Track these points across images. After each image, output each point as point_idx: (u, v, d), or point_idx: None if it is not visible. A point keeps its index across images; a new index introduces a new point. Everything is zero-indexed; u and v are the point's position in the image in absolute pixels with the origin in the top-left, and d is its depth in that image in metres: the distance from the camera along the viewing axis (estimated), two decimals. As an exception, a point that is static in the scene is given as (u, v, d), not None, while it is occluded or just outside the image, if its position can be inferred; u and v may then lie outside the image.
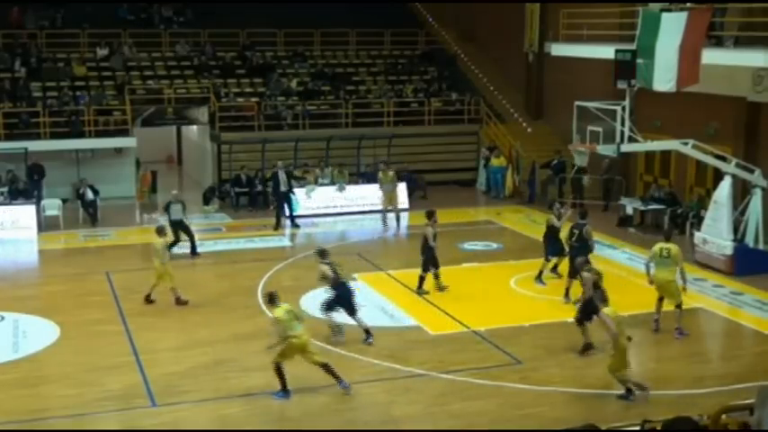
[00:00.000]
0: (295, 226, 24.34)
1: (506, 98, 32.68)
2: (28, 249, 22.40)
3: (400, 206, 25.47)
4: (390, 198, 24.72)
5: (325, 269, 15.06)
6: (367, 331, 15.14)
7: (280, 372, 12.84)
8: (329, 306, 15.19)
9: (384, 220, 24.59)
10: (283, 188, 24.34)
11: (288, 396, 12.86)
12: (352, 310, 15.13)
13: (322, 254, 15.44)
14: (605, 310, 12.75)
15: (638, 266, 19.79)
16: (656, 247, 15.66)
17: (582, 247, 17.00)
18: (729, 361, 14.83)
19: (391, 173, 24.88)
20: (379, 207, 25.02)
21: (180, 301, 17.17)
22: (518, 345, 14.92)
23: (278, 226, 23.97)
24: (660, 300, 15.67)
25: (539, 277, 18.32)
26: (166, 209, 21.36)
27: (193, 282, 19.33)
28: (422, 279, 17.89)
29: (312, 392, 13.18)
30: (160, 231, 17.54)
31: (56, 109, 27.82)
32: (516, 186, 28.33)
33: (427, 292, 17.81)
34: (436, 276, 17.94)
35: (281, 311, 12.75)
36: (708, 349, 16.05)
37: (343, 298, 15.11)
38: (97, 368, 14.00)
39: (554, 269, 18.58)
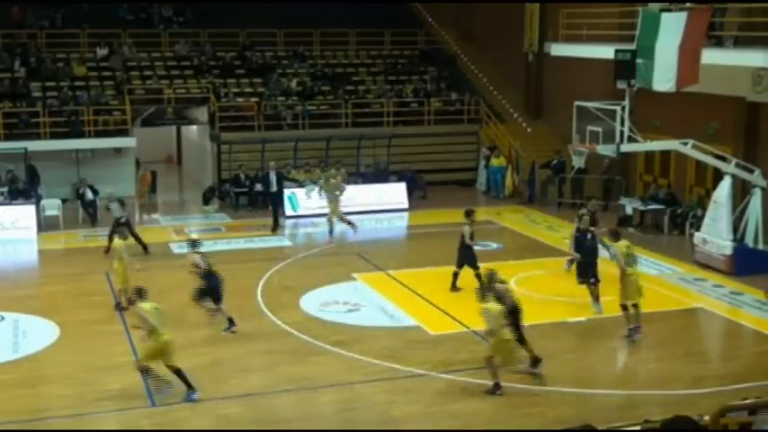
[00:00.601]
0: (276, 228, 23.80)
1: (506, 98, 32.68)
2: (28, 249, 22.39)
3: (395, 206, 25.49)
4: (332, 207, 23.00)
5: (196, 259, 15.61)
6: (231, 320, 15.56)
7: (146, 370, 12.73)
8: (200, 294, 15.58)
9: (351, 225, 22.97)
10: (273, 189, 24.28)
11: (195, 394, 12.66)
12: (218, 299, 15.53)
13: (194, 244, 16.10)
14: (489, 305, 12.80)
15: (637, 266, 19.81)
16: (622, 246, 15.16)
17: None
18: (729, 361, 14.82)
19: (333, 180, 23.40)
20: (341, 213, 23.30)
21: (121, 307, 16.86)
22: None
23: (275, 227, 23.88)
24: (625, 307, 15.21)
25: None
26: (107, 209, 21.51)
27: (193, 282, 19.31)
28: (478, 276, 17.54)
29: (312, 392, 13.19)
30: (120, 233, 17.64)
31: (55, 109, 27.84)
32: (516, 186, 28.34)
33: (461, 289, 17.78)
34: (455, 276, 17.91)
35: (149, 306, 12.79)
36: (708, 349, 16.05)
37: (212, 287, 15.49)
38: (97, 368, 14.00)
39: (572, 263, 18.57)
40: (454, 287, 17.87)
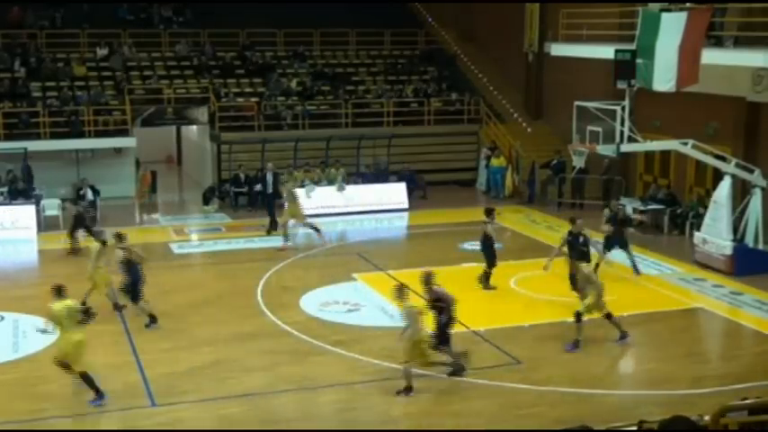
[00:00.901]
0: (272, 229, 23.32)
1: (506, 98, 32.69)
2: (28, 249, 22.39)
3: (388, 206, 25.57)
4: (293, 212, 22.07)
5: (121, 254, 15.91)
6: (152, 317, 15.89)
7: (87, 378, 12.61)
8: (126, 289, 15.90)
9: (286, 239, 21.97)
10: (270, 190, 24.08)
11: (103, 398, 12.60)
12: (135, 294, 15.90)
13: (120, 238, 16.26)
14: (410, 305, 12.87)
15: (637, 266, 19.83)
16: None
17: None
18: (729, 361, 14.82)
19: (290, 183, 22.98)
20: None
21: (119, 307, 16.64)
22: (518, 345, 14.92)
23: (272, 227, 23.36)
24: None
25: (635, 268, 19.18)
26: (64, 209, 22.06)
27: (193, 282, 19.37)
28: (487, 276, 17.97)
29: (312, 392, 13.19)
30: (97, 235, 17.35)
31: (56, 109, 27.84)
32: (516, 186, 28.34)
33: (494, 288, 17.93)
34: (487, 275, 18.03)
35: (60, 305, 12.70)
36: (708, 349, 16.05)
37: (133, 281, 15.80)
38: (97, 368, 13.97)
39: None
40: (487, 286, 18.02)
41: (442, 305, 13.47)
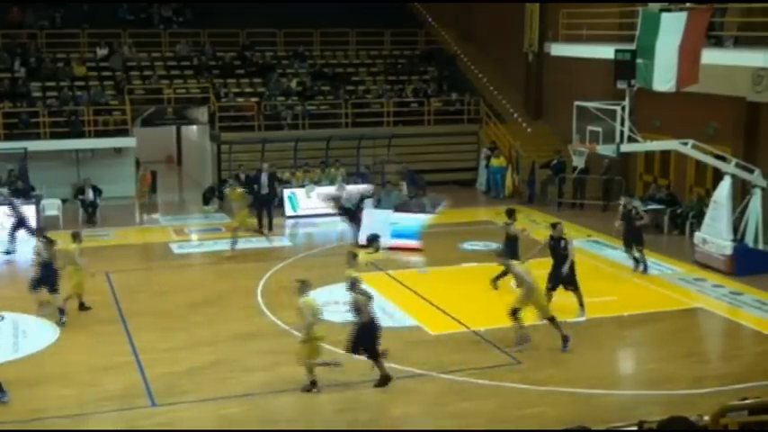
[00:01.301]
0: (261, 229, 22.80)
1: (506, 98, 32.69)
2: (28, 249, 22.31)
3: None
4: (241, 219, 21.44)
5: (40, 247, 16.44)
6: (61, 311, 16.14)
7: None
8: (35, 284, 16.28)
9: (233, 244, 21.28)
10: (265, 191, 23.70)
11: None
12: (52, 288, 16.23)
13: (41, 231, 17.13)
14: (306, 300, 12.98)
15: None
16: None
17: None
18: (729, 361, 14.81)
19: (239, 189, 22.05)
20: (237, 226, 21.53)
21: (84, 307, 16.83)
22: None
23: (260, 227, 22.91)
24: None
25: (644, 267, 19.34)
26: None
27: (193, 282, 19.36)
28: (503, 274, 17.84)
29: (312, 392, 13.17)
30: (75, 236, 17.10)
31: (55, 109, 27.85)
32: (516, 186, 28.34)
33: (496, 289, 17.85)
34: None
35: None
36: (708, 349, 16.04)
37: (45, 276, 16.18)
38: (97, 368, 14.00)
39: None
40: (496, 285, 17.92)
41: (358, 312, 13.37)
